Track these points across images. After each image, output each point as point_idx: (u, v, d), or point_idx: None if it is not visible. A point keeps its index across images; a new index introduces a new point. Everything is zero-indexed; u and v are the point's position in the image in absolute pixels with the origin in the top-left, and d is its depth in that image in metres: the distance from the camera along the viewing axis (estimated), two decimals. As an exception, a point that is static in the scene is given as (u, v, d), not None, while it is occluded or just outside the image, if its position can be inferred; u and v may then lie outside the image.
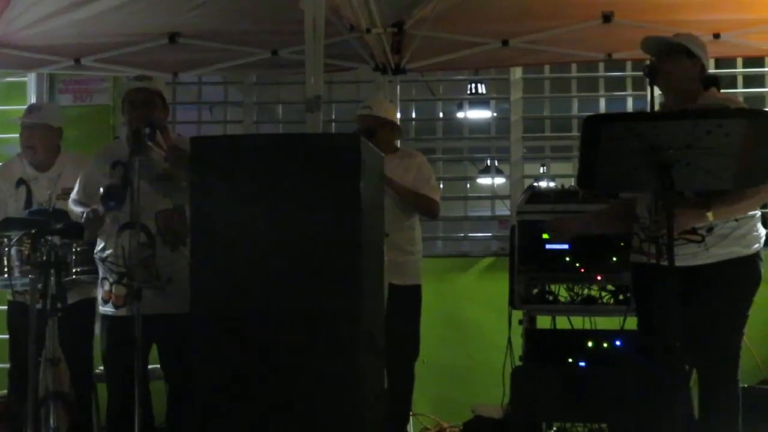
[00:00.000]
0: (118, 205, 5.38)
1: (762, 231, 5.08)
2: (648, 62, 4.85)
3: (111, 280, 5.59)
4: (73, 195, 5.80)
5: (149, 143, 5.48)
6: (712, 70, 8.35)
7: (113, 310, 5.59)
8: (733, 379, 4.99)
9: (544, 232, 6.19)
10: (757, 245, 5.03)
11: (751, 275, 5.01)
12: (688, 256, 4.80)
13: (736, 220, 4.94)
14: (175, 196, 5.54)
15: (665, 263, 4.57)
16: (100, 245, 5.65)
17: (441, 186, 8.51)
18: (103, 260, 5.61)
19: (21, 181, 6.35)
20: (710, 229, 4.90)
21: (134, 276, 5.34)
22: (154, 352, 5.66)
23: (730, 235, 4.94)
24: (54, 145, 6.44)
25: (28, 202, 6.31)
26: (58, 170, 6.34)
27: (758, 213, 5.08)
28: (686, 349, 4.82)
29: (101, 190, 5.43)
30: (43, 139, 6.36)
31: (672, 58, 4.99)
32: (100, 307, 5.69)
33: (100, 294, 5.68)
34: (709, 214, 4.82)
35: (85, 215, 5.54)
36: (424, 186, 6.62)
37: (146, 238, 5.42)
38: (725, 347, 4.95)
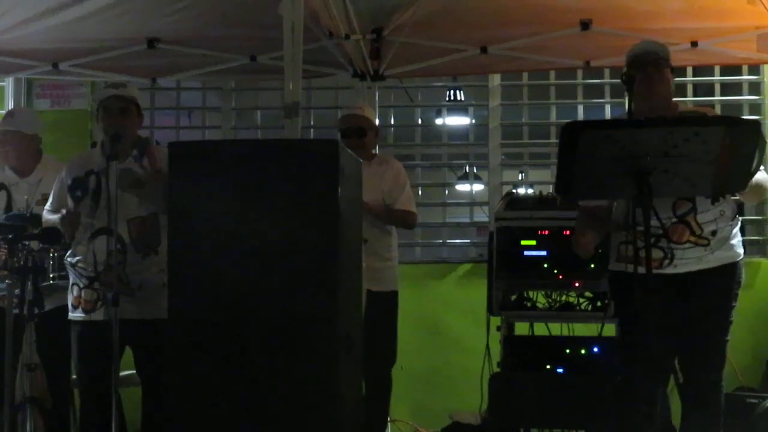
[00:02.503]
0: (85, 195, 5.43)
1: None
2: (626, 70, 4.87)
3: (81, 285, 5.57)
4: (47, 206, 5.79)
5: (137, 164, 5.49)
6: (689, 78, 8.43)
7: (83, 315, 5.56)
8: (720, 384, 5.03)
9: (523, 239, 6.22)
10: (742, 249, 5.13)
11: (739, 278, 5.11)
12: (692, 260, 4.84)
13: (731, 222, 5.04)
14: (147, 203, 5.52)
15: (671, 270, 4.79)
16: (70, 250, 5.63)
17: (420, 192, 8.55)
18: (74, 265, 5.59)
19: (1, 186, 6.34)
20: (714, 232, 4.96)
21: (105, 281, 5.33)
22: (126, 358, 5.63)
23: (728, 239, 5.04)
24: (33, 151, 6.42)
25: (8, 206, 6.29)
26: (39, 176, 6.32)
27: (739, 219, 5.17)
28: (672, 352, 4.87)
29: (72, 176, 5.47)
30: (16, 145, 6.34)
31: (661, 68, 5.03)
32: (70, 313, 5.64)
33: (69, 300, 5.65)
34: None
35: (59, 217, 5.53)
36: (400, 196, 6.59)
37: (119, 245, 5.39)
38: (717, 351, 5.00)
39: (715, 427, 4.99)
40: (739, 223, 5.17)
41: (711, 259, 4.95)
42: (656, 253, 4.96)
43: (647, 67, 4.99)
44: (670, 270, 4.94)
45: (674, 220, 4.92)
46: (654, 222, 4.90)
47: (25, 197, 6.22)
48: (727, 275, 5.02)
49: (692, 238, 4.87)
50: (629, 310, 5.14)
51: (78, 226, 5.53)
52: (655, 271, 4.90)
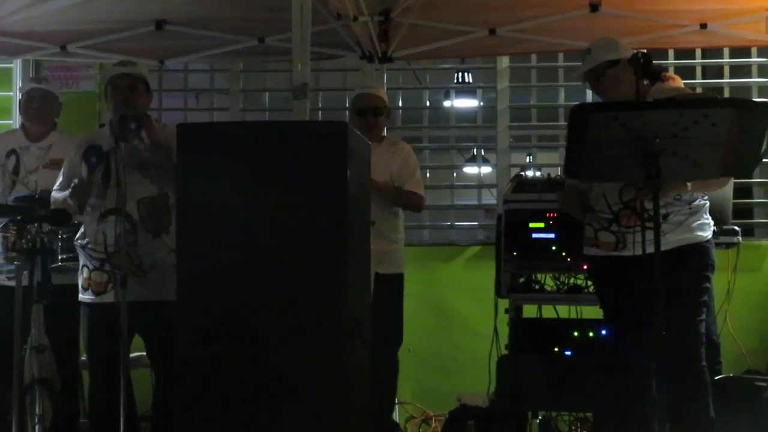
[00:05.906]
0: (100, 163, 5.43)
1: (710, 219, 5.19)
2: (637, 51, 4.87)
3: (91, 266, 5.58)
4: (56, 186, 5.79)
5: (134, 136, 5.48)
6: (698, 60, 8.40)
7: (92, 296, 5.57)
8: (697, 367, 4.99)
9: (531, 221, 6.22)
10: (708, 232, 5.14)
11: (705, 261, 5.12)
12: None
13: (689, 206, 5.04)
14: (157, 183, 5.52)
15: (625, 253, 4.95)
16: (80, 232, 5.64)
17: (427, 175, 8.54)
18: (84, 247, 5.59)
19: (12, 152, 6.45)
20: (666, 216, 4.95)
21: (116, 262, 5.33)
22: (136, 339, 5.64)
23: (684, 222, 5.06)
24: (51, 119, 6.56)
25: (16, 168, 6.41)
26: (50, 142, 6.45)
27: (707, 202, 5.17)
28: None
29: (83, 149, 5.50)
30: (42, 103, 6.50)
31: (600, 79, 5.15)
32: (80, 295, 5.66)
33: (80, 281, 5.66)
34: (689, 184, 4.89)
35: (72, 185, 5.53)
36: (409, 179, 6.59)
37: (128, 225, 5.40)
38: (684, 335, 4.95)
39: (701, 414, 4.96)
40: (706, 205, 5.15)
41: (663, 243, 4.87)
42: (609, 237, 5.12)
43: (599, 78, 5.17)
44: (624, 253, 5.03)
45: (621, 206, 4.96)
46: (605, 207, 5.04)
47: (37, 161, 6.32)
48: (686, 258, 5.02)
49: (640, 222, 4.86)
50: (606, 295, 5.34)
51: (90, 196, 5.54)
52: (610, 253, 5.12)
